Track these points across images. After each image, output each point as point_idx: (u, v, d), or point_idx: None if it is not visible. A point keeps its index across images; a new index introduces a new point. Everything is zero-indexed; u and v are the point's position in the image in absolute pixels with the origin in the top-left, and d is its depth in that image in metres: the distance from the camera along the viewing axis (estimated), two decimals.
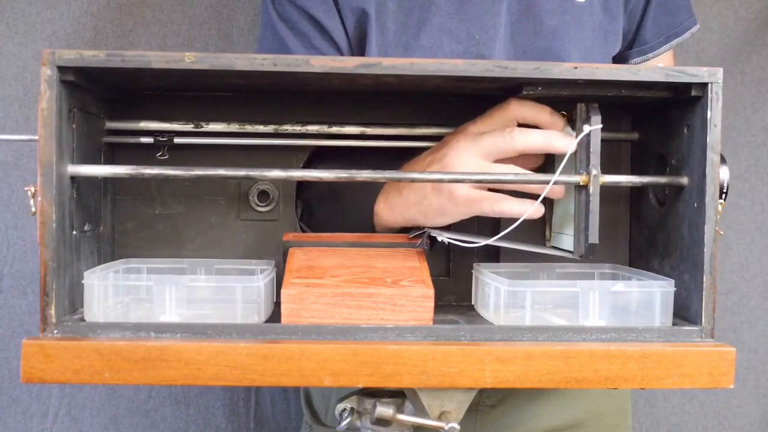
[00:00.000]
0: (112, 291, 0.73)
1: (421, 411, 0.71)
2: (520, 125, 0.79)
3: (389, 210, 0.84)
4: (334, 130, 0.86)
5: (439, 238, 0.81)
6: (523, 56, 0.96)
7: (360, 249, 0.82)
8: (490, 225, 0.89)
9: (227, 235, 0.88)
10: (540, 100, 0.77)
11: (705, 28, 1.38)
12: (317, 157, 0.90)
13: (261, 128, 0.85)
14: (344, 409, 0.75)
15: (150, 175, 0.73)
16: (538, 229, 0.86)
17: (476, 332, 0.71)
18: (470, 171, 0.75)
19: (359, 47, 0.95)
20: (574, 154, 0.76)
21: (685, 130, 0.76)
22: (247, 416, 1.38)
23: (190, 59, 0.69)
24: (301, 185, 0.91)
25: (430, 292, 0.73)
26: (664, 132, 0.81)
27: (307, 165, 0.89)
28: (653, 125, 0.84)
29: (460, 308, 0.86)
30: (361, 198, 0.88)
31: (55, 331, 0.69)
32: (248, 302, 0.73)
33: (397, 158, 0.87)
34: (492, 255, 0.89)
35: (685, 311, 0.75)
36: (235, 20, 1.31)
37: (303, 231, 0.91)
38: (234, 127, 0.84)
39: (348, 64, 0.70)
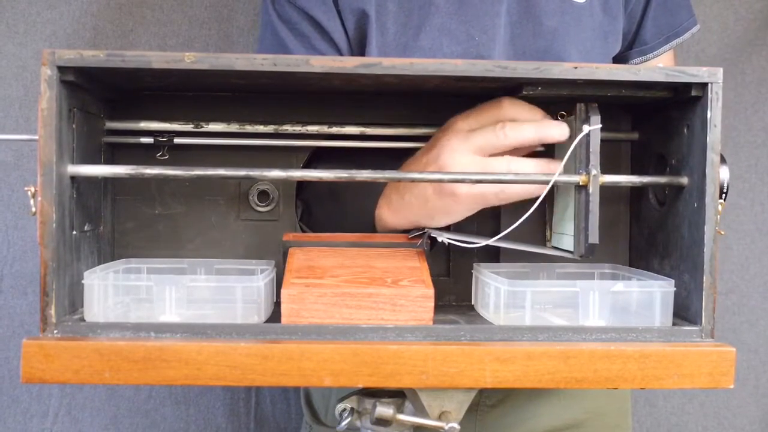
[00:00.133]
0: (112, 291, 0.73)
1: (421, 411, 0.71)
2: None
3: (394, 214, 0.84)
4: (334, 130, 0.86)
5: (439, 239, 0.81)
6: (522, 57, 0.96)
7: (360, 249, 0.82)
8: (490, 225, 0.89)
9: (227, 235, 0.88)
10: (540, 100, 0.77)
11: (705, 28, 1.38)
12: (317, 158, 0.90)
13: (261, 128, 0.85)
14: (344, 409, 0.75)
15: (150, 175, 0.73)
16: (538, 229, 0.86)
17: (476, 332, 0.71)
18: (466, 169, 0.75)
19: (359, 48, 0.95)
20: (574, 153, 0.76)
21: (685, 130, 0.76)
22: (247, 416, 1.38)
23: (190, 59, 0.69)
24: (301, 185, 0.91)
25: (430, 292, 0.73)
26: (664, 132, 0.81)
27: (307, 165, 0.89)
28: (653, 125, 0.84)
29: (460, 308, 0.86)
30: (361, 198, 0.88)
31: (55, 331, 0.69)
32: (248, 302, 0.73)
33: (397, 158, 0.87)
34: (492, 255, 0.89)
35: (685, 311, 0.75)
36: (235, 20, 1.31)
37: (303, 231, 0.91)
38: (234, 127, 0.84)
39: (348, 64, 0.70)
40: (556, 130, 0.76)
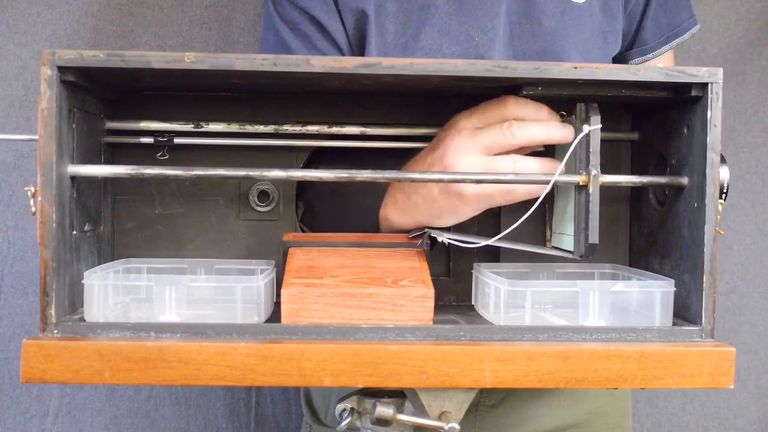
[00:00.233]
0: (112, 291, 0.73)
1: (421, 411, 0.71)
2: None
3: (401, 214, 0.84)
4: (334, 130, 0.86)
5: (440, 239, 0.81)
6: (522, 57, 0.96)
7: (360, 249, 0.82)
8: (490, 225, 0.89)
9: (227, 235, 0.88)
10: (540, 100, 0.77)
11: (706, 28, 1.38)
12: (317, 158, 0.90)
13: (261, 128, 0.85)
14: (344, 409, 0.75)
15: (150, 175, 0.73)
16: (538, 230, 0.86)
17: (476, 332, 0.71)
18: (471, 168, 0.75)
19: (359, 48, 0.95)
20: (575, 153, 0.76)
21: (685, 130, 0.76)
22: (247, 416, 1.38)
23: (190, 59, 0.69)
24: (302, 187, 0.91)
25: (430, 292, 0.73)
26: (664, 132, 0.81)
27: (307, 165, 0.89)
28: (653, 125, 0.84)
29: (460, 308, 0.86)
30: (365, 197, 0.88)
31: (55, 331, 0.69)
32: (248, 302, 0.73)
33: (398, 158, 0.87)
34: (492, 255, 0.89)
35: (685, 311, 0.75)
36: (235, 20, 1.31)
37: (303, 232, 0.91)
38: (234, 127, 0.84)
39: (348, 64, 0.70)
40: (562, 133, 0.76)
